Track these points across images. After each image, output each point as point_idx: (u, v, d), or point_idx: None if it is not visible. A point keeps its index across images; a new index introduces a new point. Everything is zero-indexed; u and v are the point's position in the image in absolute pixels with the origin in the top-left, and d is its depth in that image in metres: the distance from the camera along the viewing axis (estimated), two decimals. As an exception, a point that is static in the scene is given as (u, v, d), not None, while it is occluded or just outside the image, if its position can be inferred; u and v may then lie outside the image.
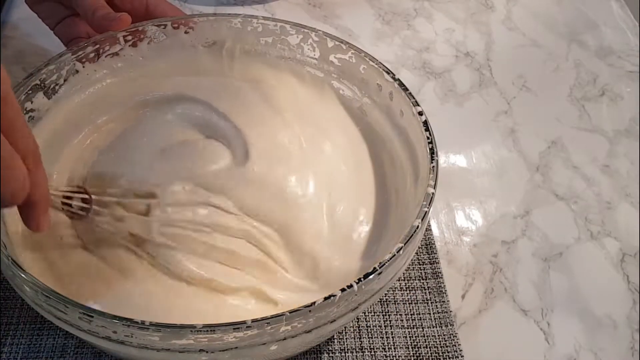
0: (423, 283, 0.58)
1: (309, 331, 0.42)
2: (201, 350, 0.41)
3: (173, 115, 0.57)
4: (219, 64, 0.61)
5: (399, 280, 0.58)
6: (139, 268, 0.48)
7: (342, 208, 0.53)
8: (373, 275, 0.42)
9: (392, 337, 0.55)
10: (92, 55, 0.57)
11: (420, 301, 0.57)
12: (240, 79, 0.60)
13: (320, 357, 0.53)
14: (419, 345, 0.54)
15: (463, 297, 0.59)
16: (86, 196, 0.48)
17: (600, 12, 0.89)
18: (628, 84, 0.80)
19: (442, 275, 0.59)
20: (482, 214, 0.66)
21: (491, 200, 0.67)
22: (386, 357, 0.54)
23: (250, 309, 0.47)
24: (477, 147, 0.72)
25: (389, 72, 0.56)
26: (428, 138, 0.50)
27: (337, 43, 0.58)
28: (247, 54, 0.61)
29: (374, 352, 0.54)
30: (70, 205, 0.48)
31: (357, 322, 0.56)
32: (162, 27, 0.59)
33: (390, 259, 0.43)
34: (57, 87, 0.56)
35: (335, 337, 0.55)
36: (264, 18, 0.60)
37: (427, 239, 0.62)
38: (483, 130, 0.74)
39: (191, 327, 0.39)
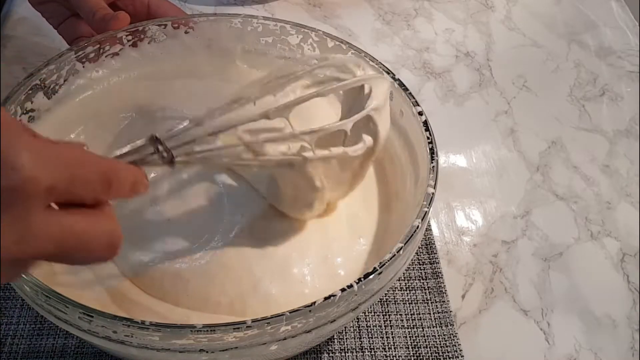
0: (423, 283, 0.59)
1: (309, 331, 0.42)
2: (201, 350, 0.41)
3: None
4: (220, 64, 0.62)
5: (399, 280, 0.58)
6: None
7: (345, 213, 0.53)
8: (373, 275, 0.42)
9: (392, 337, 0.55)
10: (92, 55, 0.57)
11: (421, 301, 0.57)
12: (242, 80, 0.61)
13: (321, 357, 0.54)
14: (419, 345, 0.55)
15: (463, 297, 0.59)
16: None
17: (600, 12, 0.90)
18: (628, 84, 0.81)
19: (442, 275, 0.59)
20: (482, 214, 0.66)
21: (491, 200, 0.67)
22: (386, 357, 0.54)
23: None
24: (477, 147, 0.72)
25: (389, 72, 0.56)
26: (428, 138, 0.51)
27: (337, 43, 0.58)
28: (247, 53, 0.61)
29: (374, 352, 0.54)
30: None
31: (357, 322, 0.56)
32: (163, 26, 0.59)
33: (390, 259, 0.43)
34: (57, 87, 0.56)
35: (335, 337, 0.55)
36: (264, 18, 0.60)
37: (427, 239, 0.62)
38: (483, 130, 0.75)
39: (191, 327, 0.39)
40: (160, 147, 0.40)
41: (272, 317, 0.40)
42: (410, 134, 0.54)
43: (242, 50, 0.61)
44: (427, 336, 0.55)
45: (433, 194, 0.47)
